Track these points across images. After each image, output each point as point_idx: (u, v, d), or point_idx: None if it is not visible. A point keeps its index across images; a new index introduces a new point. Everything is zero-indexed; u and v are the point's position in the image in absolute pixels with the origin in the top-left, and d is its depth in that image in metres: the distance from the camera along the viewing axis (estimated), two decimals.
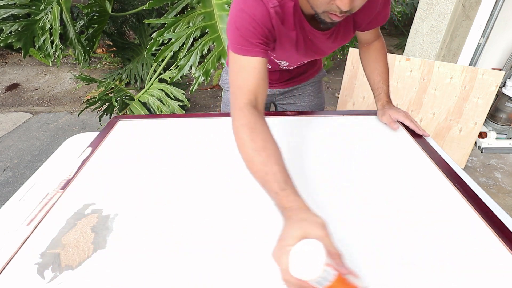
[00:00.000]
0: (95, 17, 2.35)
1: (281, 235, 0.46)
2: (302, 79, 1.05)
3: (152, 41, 1.70)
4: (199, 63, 1.67)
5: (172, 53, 1.70)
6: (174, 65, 1.83)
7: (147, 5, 1.64)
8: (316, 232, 0.43)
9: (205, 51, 1.67)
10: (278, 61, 0.87)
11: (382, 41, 0.95)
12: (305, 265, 0.40)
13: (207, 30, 1.68)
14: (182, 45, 1.69)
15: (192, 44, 1.68)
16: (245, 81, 0.64)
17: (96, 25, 2.37)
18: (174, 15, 1.70)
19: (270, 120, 0.93)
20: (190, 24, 1.69)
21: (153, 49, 1.74)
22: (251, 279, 0.50)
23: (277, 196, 0.51)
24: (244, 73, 0.64)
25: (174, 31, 1.68)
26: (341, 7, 0.54)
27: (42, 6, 2.04)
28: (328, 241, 0.43)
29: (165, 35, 1.67)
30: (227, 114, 1.00)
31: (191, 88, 1.67)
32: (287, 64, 0.88)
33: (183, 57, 1.68)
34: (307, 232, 0.43)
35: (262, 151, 0.55)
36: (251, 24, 0.63)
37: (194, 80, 1.66)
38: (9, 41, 1.97)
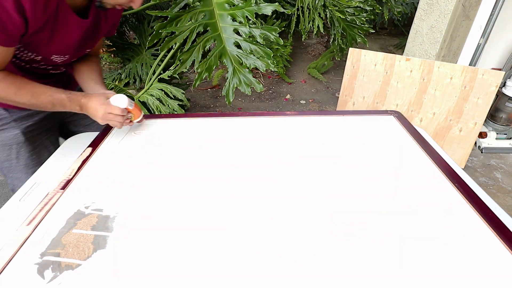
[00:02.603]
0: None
1: (96, 102, 0.79)
2: (72, 81, 0.98)
3: (153, 33, 1.69)
4: (201, 60, 1.68)
5: (176, 45, 1.69)
6: (177, 58, 1.83)
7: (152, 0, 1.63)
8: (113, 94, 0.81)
9: (207, 48, 1.67)
10: (54, 56, 0.81)
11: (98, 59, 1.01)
12: (121, 101, 0.81)
13: (208, 28, 1.68)
14: (186, 38, 1.69)
15: (194, 40, 1.69)
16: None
17: None
18: (177, 10, 1.70)
19: (270, 120, 0.94)
20: (192, 20, 1.69)
21: (155, 41, 1.73)
22: (252, 279, 0.50)
23: (69, 96, 0.77)
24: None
25: (176, 25, 1.68)
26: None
27: None
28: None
29: (167, 28, 1.67)
30: (227, 114, 1.00)
31: (193, 83, 1.68)
32: (61, 58, 0.83)
33: (186, 51, 1.67)
34: (108, 95, 0.81)
35: (33, 87, 0.74)
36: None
37: (197, 75, 1.66)
38: None
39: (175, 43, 1.71)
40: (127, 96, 0.82)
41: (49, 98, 0.75)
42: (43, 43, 0.74)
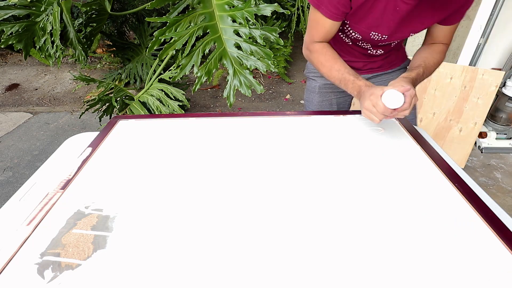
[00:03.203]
0: (93, 15, 2.34)
1: (368, 95, 0.76)
2: (385, 66, 1.07)
3: (153, 39, 1.70)
4: (201, 63, 1.67)
5: (174, 51, 1.69)
6: (176, 64, 1.83)
7: (149, 4, 1.64)
8: (390, 87, 0.75)
9: (207, 51, 1.67)
10: (371, 34, 0.89)
11: (445, 52, 0.93)
12: (395, 99, 0.72)
13: (208, 30, 1.68)
14: (185, 43, 1.69)
15: (194, 44, 1.68)
16: (317, 33, 0.89)
17: (95, 24, 2.37)
18: (176, 15, 1.69)
19: (270, 120, 0.94)
20: (192, 24, 1.69)
21: (154, 48, 1.73)
22: (252, 280, 0.50)
23: (354, 80, 0.83)
24: (317, 27, 0.87)
25: (175, 30, 1.68)
26: None
27: (43, 8, 2.04)
28: (399, 87, 0.74)
29: (167, 34, 1.67)
30: (227, 114, 1.00)
31: (193, 88, 1.68)
32: (379, 36, 0.89)
33: (185, 57, 1.67)
34: (384, 89, 0.75)
35: (335, 63, 0.87)
36: None
37: (197, 80, 1.66)
38: (10, 42, 1.97)
39: (174, 49, 1.71)
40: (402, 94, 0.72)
41: (340, 76, 0.86)
42: (362, 17, 0.83)
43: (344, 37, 0.97)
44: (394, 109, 0.73)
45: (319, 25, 0.86)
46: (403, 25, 0.84)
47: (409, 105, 0.74)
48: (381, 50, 0.99)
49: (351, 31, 0.91)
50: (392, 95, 0.72)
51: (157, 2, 1.61)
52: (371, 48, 0.98)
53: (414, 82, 0.80)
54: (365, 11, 0.81)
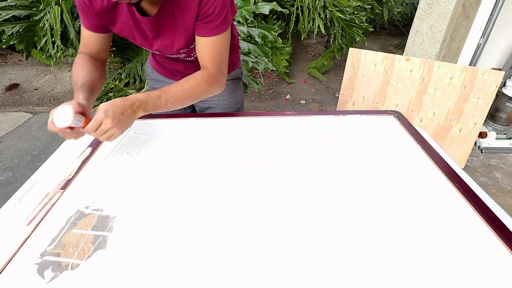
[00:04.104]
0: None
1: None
2: None
3: None
4: None
5: None
6: None
7: None
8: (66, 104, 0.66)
9: None
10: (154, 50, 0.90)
11: (206, 75, 0.82)
12: (62, 118, 0.64)
13: None
14: None
15: None
16: (81, 44, 0.87)
17: None
18: None
19: (270, 120, 0.94)
20: None
21: None
22: (252, 278, 0.50)
23: (75, 91, 0.74)
24: (82, 38, 0.86)
25: None
26: None
27: (42, 7, 2.04)
28: (75, 104, 0.66)
29: None
30: (227, 114, 1.00)
31: None
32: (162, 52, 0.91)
33: None
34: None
35: (77, 72, 0.79)
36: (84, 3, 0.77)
37: None
38: (11, 42, 1.97)
39: None
40: (71, 108, 0.65)
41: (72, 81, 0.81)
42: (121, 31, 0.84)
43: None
44: (68, 127, 0.65)
45: (82, 36, 0.85)
46: (162, 38, 0.82)
47: (92, 129, 0.66)
48: (190, 57, 0.94)
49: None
50: (62, 112, 0.64)
51: None
52: (183, 57, 0.95)
53: (135, 105, 0.71)
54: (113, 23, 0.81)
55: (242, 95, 1.17)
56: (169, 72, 1.05)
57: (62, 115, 0.64)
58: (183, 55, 0.92)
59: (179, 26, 0.79)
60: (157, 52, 0.92)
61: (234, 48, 1.05)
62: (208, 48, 0.82)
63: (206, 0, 0.73)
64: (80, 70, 0.80)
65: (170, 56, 0.95)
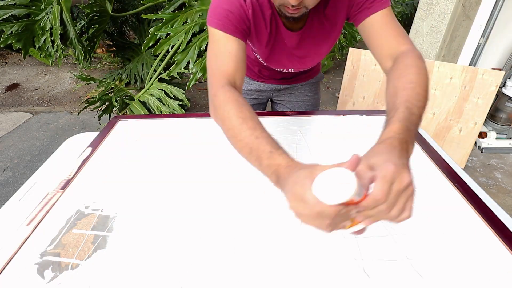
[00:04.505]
0: (95, 17, 2.34)
1: (291, 189, 0.39)
2: (298, 80, 1.05)
3: (149, 36, 1.70)
4: (197, 59, 1.67)
5: (171, 46, 1.69)
6: (172, 59, 1.83)
7: (144, 0, 1.64)
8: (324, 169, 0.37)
9: (203, 47, 1.67)
10: (275, 68, 0.88)
11: (416, 54, 0.58)
12: (337, 188, 0.34)
13: (205, 27, 1.69)
14: (182, 39, 1.69)
15: (190, 40, 1.68)
16: (224, 65, 0.62)
17: (97, 25, 2.37)
18: (172, 11, 1.70)
19: (269, 120, 0.94)
20: (188, 21, 1.69)
21: (150, 44, 1.73)
22: (253, 280, 0.50)
23: (271, 155, 0.45)
24: (222, 56, 0.62)
25: (172, 27, 1.68)
26: (289, 0, 0.53)
27: (42, 6, 2.04)
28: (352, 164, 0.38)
29: (162, 30, 1.67)
30: None
31: (188, 84, 1.67)
32: (284, 70, 0.88)
33: (180, 52, 1.67)
34: (316, 172, 0.36)
35: (250, 120, 0.51)
36: (230, 8, 0.62)
37: (192, 76, 1.66)
38: (9, 41, 1.97)
39: (171, 45, 1.71)
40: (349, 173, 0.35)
41: (250, 141, 0.49)
42: (263, 54, 0.78)
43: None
44: (346, 203, 0.35)
45: (223, 52, 0.62)
46: (299, 55, 0.78)
47: (384, 196, 0.35)
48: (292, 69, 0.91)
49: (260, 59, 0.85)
50: (332, 179, 0.35)
51: None
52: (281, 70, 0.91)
53: (402, 140, 0.45)
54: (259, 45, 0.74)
55: (320, 95, 1.18)
56: (256, 74, 1.02)
57: (333, 184, 0.35)
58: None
59: (327, 35, 0.72)
60: (284, 70, 0.87)
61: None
62: (389, 23, 0.62)
63: None
64: (252, 122, 0.51)
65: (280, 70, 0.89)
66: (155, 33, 1.68)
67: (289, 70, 0.88)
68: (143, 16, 1.68)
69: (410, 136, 0.46)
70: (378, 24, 0.62)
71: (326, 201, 0.34)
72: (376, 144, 0.46)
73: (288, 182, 0.40)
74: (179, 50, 1.68)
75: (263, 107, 1.17)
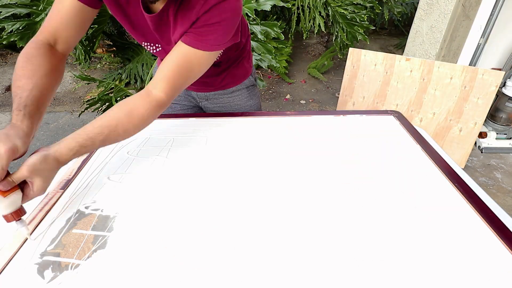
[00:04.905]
0: (95, 17, 2.34)
1: None
2: (223, 85, 1.00)
3: None
4: None
5: None
6: None
7: None
8: None
9: None
10: (141, 42, 0.82)
11: (154, 102, 0.66)
12: None
13: None
14: None
15: None
16: (49, 18, 0.66)
17: (96, 25, 2.37)
18: None
19: (269, 119, 0.94)
20: None
21: None
22: (252, 279, 0.50)
23: (13, 112, 0.58)
24: (52, 10, 0.65)
25: None
26: None
27: (42, 7, 2.04)
28: (1, 153, 0.49)
29: None
30: (227, 114, 1.00)
31: None
32: (152, 47, 0.81)
33: None
34: None
35: (24, 78, 0.59)
36: None
37: None
38: (12, 39, 1.97)
39: None
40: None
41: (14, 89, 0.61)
42: (123, 22, 0.75)
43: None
44: None
45: (54, 7, 0.65)
46: (164, 32, 0.73)
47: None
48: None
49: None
50: None
51: None
52: None
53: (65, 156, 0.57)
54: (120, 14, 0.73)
55: (258, 101, 1.12)
56: None
57: None
58: None
59: (178, 28, 0.71)
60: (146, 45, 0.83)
61: (246, 55, 1.01)
62: (182, 57, 0.68)
63: (213, 7, 0.64)
64: (29, 74, 0.60)
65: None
66: None
67: (157, 46, 0.81)
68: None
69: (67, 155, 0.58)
70: (179, 54, 0.68)
71: None
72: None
73: None
74: None
75: (198, 110, 1.11)
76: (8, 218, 0.52)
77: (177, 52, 0.68)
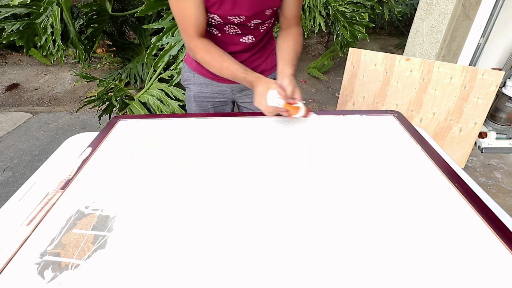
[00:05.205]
0: (94, 16, 2.34)
1: (257, 92, 0.84)
2: (263, 65, 1.06)
3: (151, 45, 1.72)
4: None
5: (171, 57, 1.71)
6: (173, 66, 1.83)
7: (138, 11, 1.65)
8: (274, 86, 0.82)
9: None
10: (230, 17, 0.88)
11: (301, 30, 0.98)
12: (271, 100, 0.81)
13: None
14: (181, 47, 1.70)
15: None
16: (188, 24, 0.85)
17: (96, 25, 2.37)
18: (171, 19, 1.70)
19: (269, 119, 0.94)
20: None
21: (153, 53, 1.76)
22: (251, 278, 0.50)
23: (245, 76, 0.86)
24: (184, 17, 0.84)
25: (172, 35, 1.69)
26: None
27: (42, 9, 2.04)
28: (280, 89, 0.81)
29: (164, 39, 1.68)
30: (227, 114, 1.00)
31: None
32: (237, 19, 0.88)
33: (180, 61, 1.68)
34: (270, 87, 0.82)
35: (222, 61, 0.88)
36: None
37: None
38: (11, 38, 1.98)
39: (170, 56, 1.72)
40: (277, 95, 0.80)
41: (231, 74, 0.89)
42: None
43: (213, 30, 0.95)
44: (276, 108, 0.82)
45: (184, 14, 0.83)
46: (254, 3, 0.85)
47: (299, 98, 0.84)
48: (251, 36, 0.96)
49: (212, 16, 0.89)
50: (270, 96, 0.81)
51: (146, 9, 1.63)
52: (240, 33, 0.95)
53: (294, 76, 0.88)
54: None
55: None
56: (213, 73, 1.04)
57: (272, 99, 0.81)
58: (249, 32, 0.95)
59: None
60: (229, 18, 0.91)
61: (272, 41, 1.08)
62: (299, 3, 0.93)
63: None
64: (220, 58, 0.88)
65: (232, 37, 0.95)
66: (157, 43, 1.70)
67: (241, 17, 0.88)
68: (144, 26, 1.69)
69: (295, 72, 0.91)
70: (296, 2, 0.92)
71: (269, 103, 0.82)
72: (285, 78, 0.87)
73: (257, 89, 0.84)
74: (178, 60, 1.69)
75: (231, 107, 1.17)
76: (308, 114, 0.86)
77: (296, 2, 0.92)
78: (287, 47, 0.93)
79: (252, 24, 0.92)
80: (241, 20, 0.88)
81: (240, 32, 0.93)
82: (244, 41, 0.96)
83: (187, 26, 0.85)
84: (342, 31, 2.63)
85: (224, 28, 0.92)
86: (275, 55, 1.02)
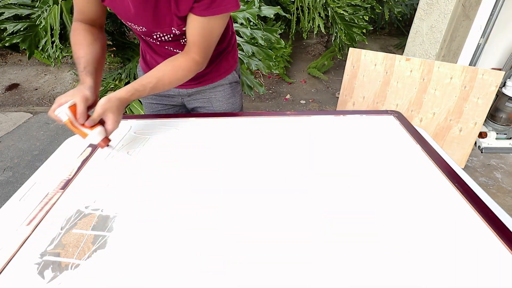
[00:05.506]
0: None
1: (68, 92, 0.71)
2: (206, 79, 1.01)
3: None
4: None
5: None
6: None
7: None
8: (77, 99, 0.69)
9: None
10: (127, 23, 0.85)
11: (194, 66, 0.83)
12: (60, 108, 0.68)
13: None
14: None
15: None
16: (77, 11, 0.84)
17: None
18: None
19: (269, 119, 0.94)
20: None
21: None
22: (251, 279, 0.50)
23: (81, 72, 0.76)
24: (76, 5, 0.83)
25: None
26: None
27: (43, 9, 2.04)
28: (81, 105, 0.69)
29: None
30: (227, 114, 1.00)
31: None
32: (137, 28, 0.85)
33: None
34: (73, 97, 0.70)
35: (79, 49, 0.80)
36: None
37: None
38: (14, 41, 1.98)
39: None
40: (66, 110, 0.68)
41: (76, 62, 0.81)
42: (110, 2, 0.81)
43: (149, 40, 0.91)
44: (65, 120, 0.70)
45: (76, 1, 0.82)
46: (150, 12, 0.77)
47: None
48: (178, 50, 0.90)
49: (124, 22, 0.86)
50: (63, 108, 0.68)
51: None
52: (169, 48, 0.91)
53: (126, 100, 0.74)
54: None
55: (240, 99, 1.12)
56: None
57: (61, 110, 0.68)
58: (173, 43, 0.88)
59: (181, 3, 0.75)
60: (143, 32, 0.86)
61: (231, 49, 1.02)
62: (201, 29, 0.77)
63: None
64: (81, 45, 0.80)
65: (165, 48, 0.90)
66: None
67: (142, 28, 0.84)
68: None
69: (129, 96, 0.76)
70: (197, 27, 0.78)
71: (56, 110, 0.68)
72: (106, 102, 0.72)
73: (73, 89, 0.72)
74: None
75: (183, 109, 1.11)
76: (101, 145, 0.72)
77: (196, 26, 0.78)
78: (153, 74, 0.80)
79: (168, 36, 0.87)
80: (143, 30, 0.85)
81: (170, 47, 0.91)
82: (172, 50, 0.92)
83: (74, 8, 0.84)
84: (340, 33, 2.64)
85: (152, 40, 0.89)
86: (227, 61, 1.00)
